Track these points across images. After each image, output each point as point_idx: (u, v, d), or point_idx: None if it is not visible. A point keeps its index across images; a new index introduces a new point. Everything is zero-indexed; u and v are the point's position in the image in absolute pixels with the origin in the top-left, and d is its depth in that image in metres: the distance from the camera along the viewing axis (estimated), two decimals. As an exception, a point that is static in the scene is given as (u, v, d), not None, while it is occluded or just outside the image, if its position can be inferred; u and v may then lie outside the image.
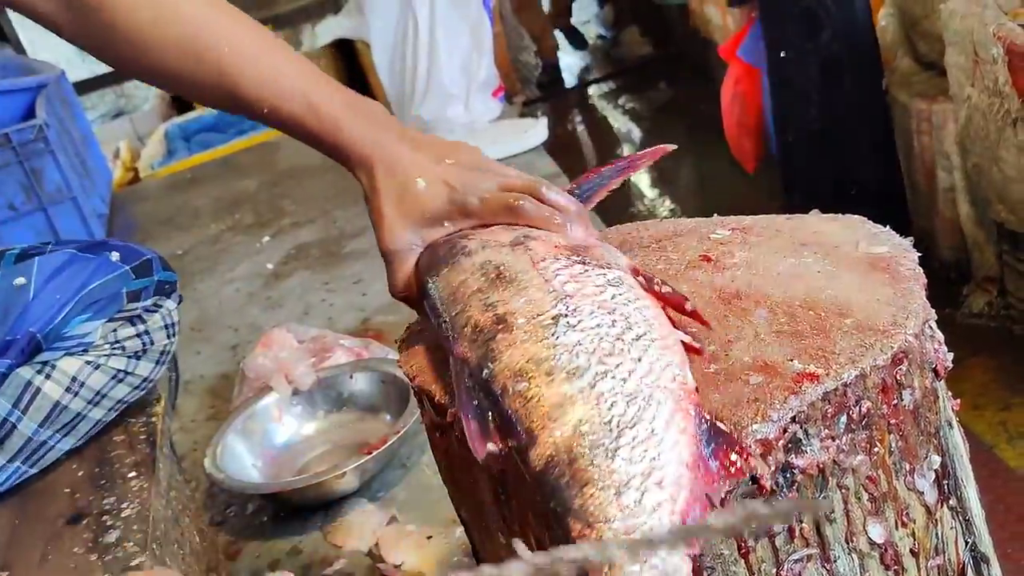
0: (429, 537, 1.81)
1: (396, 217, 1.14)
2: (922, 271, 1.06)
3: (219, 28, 1.14)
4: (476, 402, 0.96)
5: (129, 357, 1.48)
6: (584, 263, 1.05)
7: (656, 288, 1.04)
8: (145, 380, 1.51)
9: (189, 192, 4.13)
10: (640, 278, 1.04)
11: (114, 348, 1.46)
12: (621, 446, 0.86)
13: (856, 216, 1.18)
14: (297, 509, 2.00)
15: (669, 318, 1.01)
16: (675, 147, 1.23)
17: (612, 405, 0.88)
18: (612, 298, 0.99)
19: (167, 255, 3.59)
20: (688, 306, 1.02)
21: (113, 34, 1.15)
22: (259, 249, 3.37)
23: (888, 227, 1.15)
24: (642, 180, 5.51)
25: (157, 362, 1.52)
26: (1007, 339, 3.17)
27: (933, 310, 1.03)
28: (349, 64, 5.47)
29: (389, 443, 1.93)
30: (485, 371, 0.96)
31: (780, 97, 3.53)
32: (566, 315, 0.97)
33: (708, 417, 0.91)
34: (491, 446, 0.92)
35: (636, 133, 6.25)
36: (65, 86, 4.10)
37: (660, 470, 0.85)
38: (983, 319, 3.27)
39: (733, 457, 0.87)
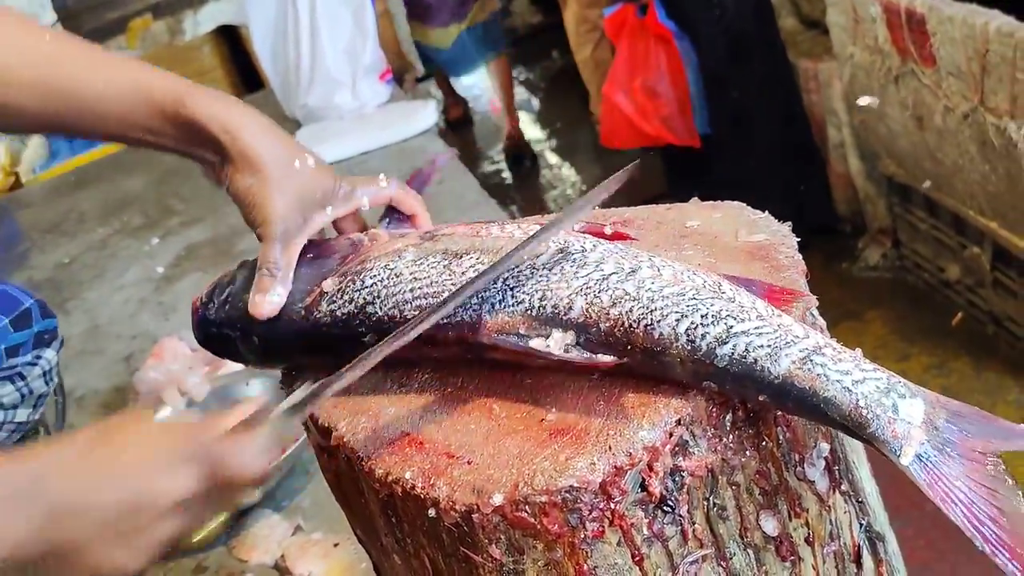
0: (335, 545, 1.78)
1: (290, 185, 1.08)
2: (801, 258, 1.06)
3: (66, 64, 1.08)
4: None
5: (7, 409, 1.43)
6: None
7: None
8: (22, 424, 1.46)
9: (74, 195, 3.99)
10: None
11: None
12: (734, 297, 0.94)
13: (736, 203, 1.17)
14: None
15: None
16: None
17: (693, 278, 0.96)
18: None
19: (53, 264, 3.50)
20: (607, 230, 1.06)
21: None
22: (148, 252, 3.27)
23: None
24: (545, 151, 5.49)
25: (35, 406, 1.48)
26: (903, 290, 3.24)
27: (815, 297, 1.02)
28: (234, 51, 5.34)
29: (289, 451, 1.89)
30: None
31: (712, 63, 3.47)
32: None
33: (730, 276, 0.99)
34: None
35: (533, 103, 6.23)
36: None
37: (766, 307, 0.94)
38: (879, 271, 3.33)
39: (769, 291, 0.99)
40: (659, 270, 0.97)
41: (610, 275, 0.96)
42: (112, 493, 0.86)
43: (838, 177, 3.41)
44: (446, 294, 1.00)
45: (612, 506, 0.89)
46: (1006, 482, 0.86)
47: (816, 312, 1.02)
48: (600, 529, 0.90)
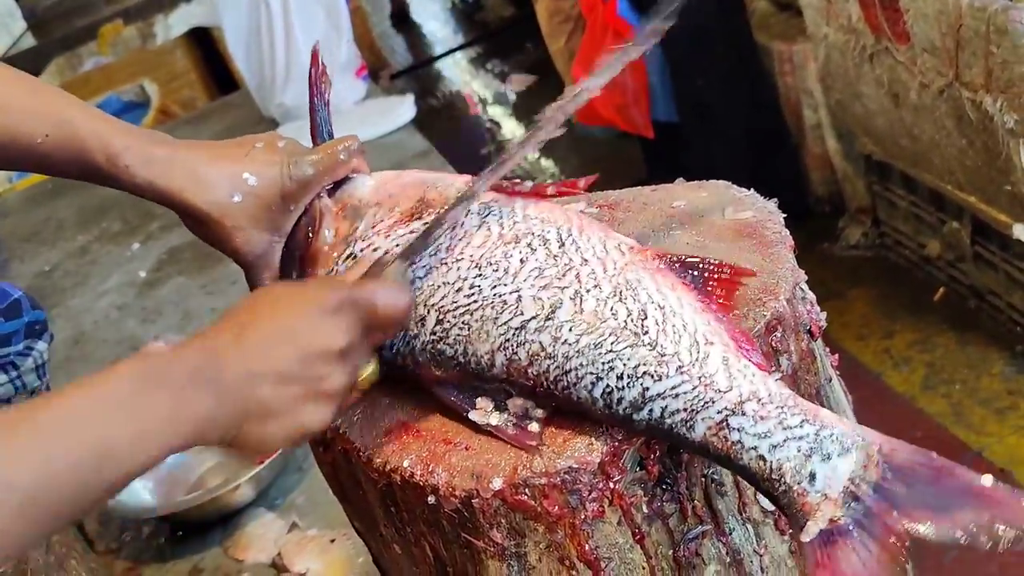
0: (332, 541, 1.78)
1: (243, 219, 1.09)
2: (788, 233, 1.06)
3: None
4: None
5: (0, 402, 1.42)
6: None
7: (510, 188, 1.06)
8: None
9: (52, 203, 3.96)
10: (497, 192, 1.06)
11: None
12: (656, 339, 0.89)
13: (720, 182, 1.18)
14: (195, 526, 1.94)
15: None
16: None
17: (615, 314, 0.91)
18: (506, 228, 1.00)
19: (34, 273, 3.48)
20: (550, 190, 1.06)
21: None
22: (130, 257, 3.25)
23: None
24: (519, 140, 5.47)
25: None
26: (885, 267, 3.25)
27: (803, 271, 1.03)
28: (207, 53, 5.30)
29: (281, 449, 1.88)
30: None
31: (675, 49, 3.47)
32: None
33: (672, 257, 0.95)
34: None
35: (510, 96, 6.22)
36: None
37: (696, 332, 0.89)
38: (860, 250, 3.34)
39: (714, 272, 0.94)
40: (581, 302, 0.92)
41: (528, 321, 0.93)
42: (284, 352, 0.86)
43: (815, 158, 3.42)
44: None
45: (611, 485, 0.90)
46: None
47: (805, 286, 1.03)
48: (600, 509, 0.90)
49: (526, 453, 0.92)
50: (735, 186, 1.16)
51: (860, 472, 0.82)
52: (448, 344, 0.97)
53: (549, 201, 1.05)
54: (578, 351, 0.91)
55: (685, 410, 0.87)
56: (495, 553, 0.94)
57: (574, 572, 0.92)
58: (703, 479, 0.95)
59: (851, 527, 0.82)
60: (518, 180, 1.08)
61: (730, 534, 0.98)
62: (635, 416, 0.88)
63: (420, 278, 0.99)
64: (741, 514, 0.98)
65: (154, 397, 0.79)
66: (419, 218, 1.04)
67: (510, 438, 0.93)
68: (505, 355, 0.94)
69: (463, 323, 0.96)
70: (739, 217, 1.10)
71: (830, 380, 1.08)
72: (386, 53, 5.18)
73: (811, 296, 1.04)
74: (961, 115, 2.41)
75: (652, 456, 0.91)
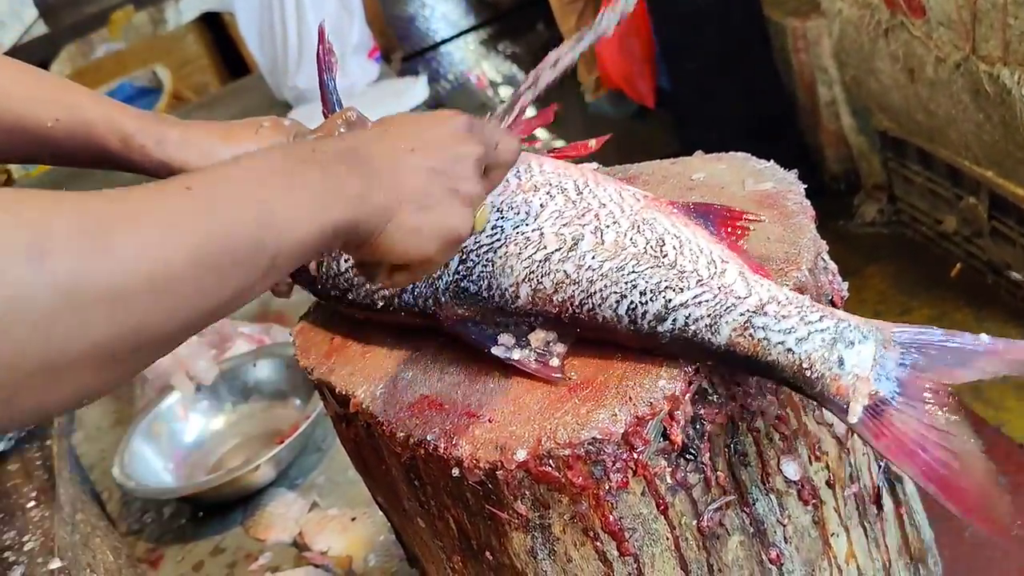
0: (353, 519, 1.78)
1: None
2: (809, 203, 1.06)
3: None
4: None
5: None
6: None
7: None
8: None
9: (69, 189, 3.97)
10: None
11: None
12: (675, 260, 0.93)
13: (740, 153, 1.17)
14: (216, 506, 1.95)
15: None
16: None
17: (635, 243, 0.95)
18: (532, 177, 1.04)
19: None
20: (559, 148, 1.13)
21: None
22: (146, 242, 3.26)
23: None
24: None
25: None
26: (901, 244, 3.24)
27: (824, 241, 1.03)
28: (219, 38, 5.30)
29: (301, 429, 1.89)
30: None
31: (669, 30, 3.48)
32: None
33: (687, 203, 0.99)
34: None
35: (520, 77, 6.20)
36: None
37: (712, 254, 0.94)
38: (876, 227, 3.33)
39: (724, 215, 0.98)
40: (602, 235, 0.96)
41: (552, 253, 0.97)
42: (430, 145, 0.87)
43: (830, 135, 3.40)
44: None
45: (635, 456, 0.90)
46: (959, 422, 0.84)
47: (827, 256, 1.03)
48: (624, 480, 0.91)
49: (550, 384, 0.95)
50: (754, 158, 1.16)
51: (882, 351, 0.86)
52: (472, 281, 1.00)
53: (564, 160, 1.08)
54: (602, 275, 0.94)
55: (709, 315, 0.89)
56: (519, 525, 0.94)
57: (598, 543, 0.93)
58: (726, 449, 0.95)
59: (891, 396, 0.85)
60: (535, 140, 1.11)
61: (753, 504, 0.98)
62: (659, 328, 0.91)
63: None
64: (764, 484, 0.98)
65: (306, 169, 0.78)
66: None
67: (533, 371, 0.96)
68: (530, 286, 0.97)
69: (487, 260, 0.99)
70: (759, 188, 1.09)
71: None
72: (397, 35, 5.16)
73: (833, 267, 1.04)
74: (978, 89, 2.39)
75: (675, 426, 0.91)
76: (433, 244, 0.86)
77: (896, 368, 0.85)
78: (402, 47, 5.39)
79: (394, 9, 6.06)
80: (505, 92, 5.61)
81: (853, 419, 0.85)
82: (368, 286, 1.07)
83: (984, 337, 0.85)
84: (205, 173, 0.74)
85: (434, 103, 5.87)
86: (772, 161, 1.14)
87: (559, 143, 5.12)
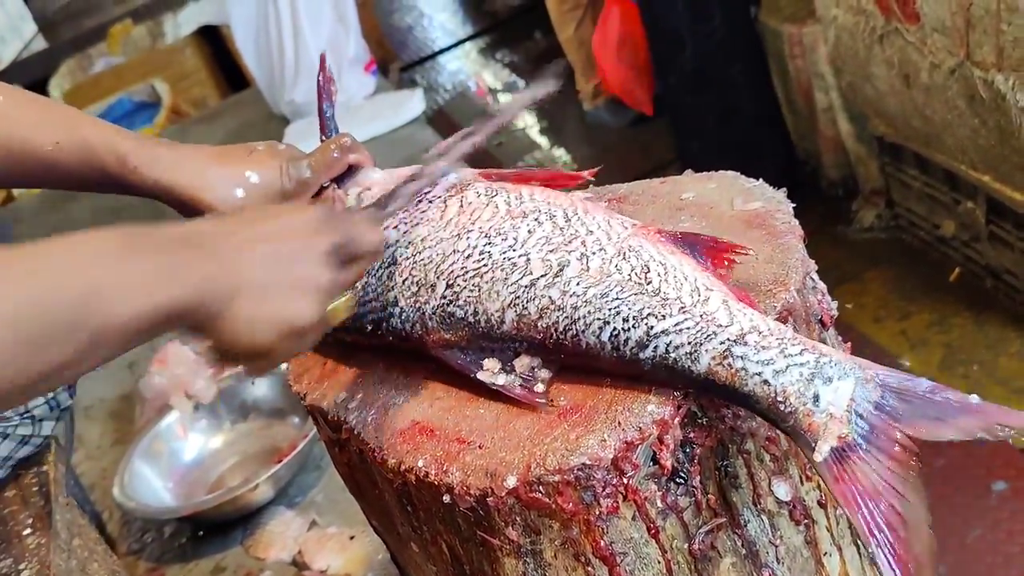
0: (352, 537, 1.78)
1: None
2: (798, 223, 1.06)
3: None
4: None
5: (37, 421, 1.43)
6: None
7: (517, 174, 1.11)
8: (47, 437, 1.46)
9: (66, 207, 3.97)
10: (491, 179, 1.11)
11: (23, 417, 1.42)
12: (659, 288, 0.93)
13: (729, 172, 1.17)
14: (216, 526, 1.95)
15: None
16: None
17: (619, 270, 0.96)
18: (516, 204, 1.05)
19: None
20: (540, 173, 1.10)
21: None
22: (145, 258, 3.26)
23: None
24: (532, 130, 5.48)
25: (58, 419, 1.48)
26: (899, 249, 3.23)
27: (813, 261, 1.03)
28: (217, 51, 5.31)
29: (299, 447, 1.90)
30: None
31: (655, 39, 3.50)
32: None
33: (675, 233, 1.00)
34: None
35: (519, 84, 6.20)
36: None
37: (697, 282, 0.94)
38: (874, 232, 3.33)
39: (710, 246, 0.98)
40: (587, 262, 0.97)
41: (538, 279, 0.97)
42: (274, 234, 0.88)
43: (827, 141, 3.40)
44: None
45: (625, 481, 0.90)
46: (916, 487, 0.83)
47: (816, 276, 1.03)
48: (615, 505, 0.91)
49: (534, 411, 0.95)
50: (743, 176, 1.16)
51: (860, 392, 0.85)
52: (458, 306, 1.00)
53: (554, 189, 1.08)
54: (586, 301, 0.95)
55: (689, 343, 0.89)
56: (511, 550, 0.94)
57: (589, 568, 0.93)
58: (717, 472, 0.95)
59: (860, 442, 0.84)
60: (533, 166, 1.12)
61: (745, 526, 0.98)
62: (641, 355, 0.91)
63: (430, 248, 1.04)
64: (756, 505, 0.98)
65: (144, 250, 0.79)
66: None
67: (518, 396, 0.96)
68: (515, 311, 0.98)
69: (473, 285, 1.00)
70: (748, 208, 1.09)
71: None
72: (395, 46, 5.16)
73: (822, 286, 1.04)
74: (973, 94, 2.39)
75: (665, 451, 0.91)
76: (271, 334, 0.86)
77: (871, 412, 0.85)
78: (400, 57, 5.40)
79: (392, 19, 6.08)
80: (504, 100, 5.61)
81: (818, 458, 0.84)
82: (357, 310, 1.08)
83: (974, 397, 0.85)
84: (41, 243, 0.76)
85: (433, 113, 5.90)
86: (761, 178, 1.14)
87: (558, 151, 5.14)
